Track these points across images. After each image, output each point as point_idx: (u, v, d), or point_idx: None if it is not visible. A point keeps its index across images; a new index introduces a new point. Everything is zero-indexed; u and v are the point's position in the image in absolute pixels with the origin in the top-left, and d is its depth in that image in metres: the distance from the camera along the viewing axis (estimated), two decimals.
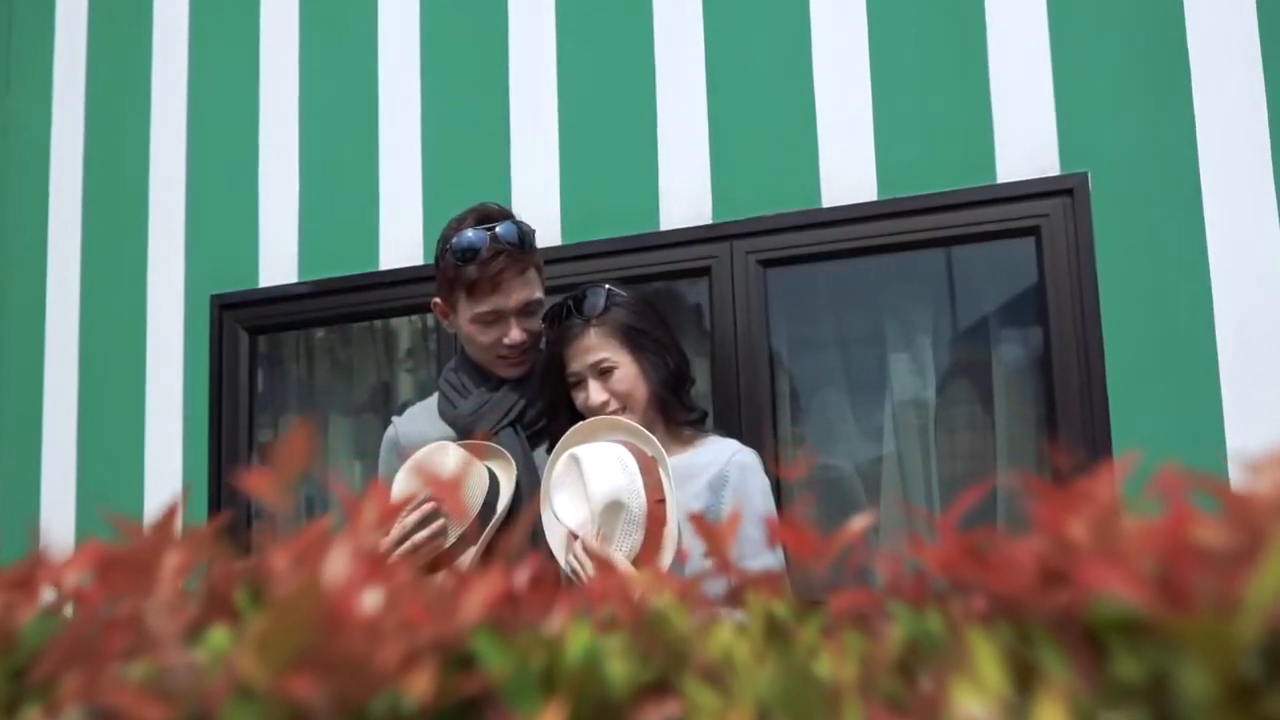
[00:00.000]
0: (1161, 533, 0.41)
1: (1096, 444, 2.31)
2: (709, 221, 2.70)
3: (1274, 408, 2.21)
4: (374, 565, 0.49)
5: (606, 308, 1.81)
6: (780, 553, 1.59)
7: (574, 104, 2.87)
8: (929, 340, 2.67)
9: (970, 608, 0.50)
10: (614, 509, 1.62)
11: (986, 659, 0.43)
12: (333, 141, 3.12)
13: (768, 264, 2.64)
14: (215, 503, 3.04)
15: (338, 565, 0.45)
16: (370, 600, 0.47)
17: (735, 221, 2.66)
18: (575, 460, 1.67)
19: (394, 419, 2.01)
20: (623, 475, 1.64)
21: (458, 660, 0.45)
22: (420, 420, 1.96)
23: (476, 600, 0.49)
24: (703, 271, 2.69)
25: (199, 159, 3.27)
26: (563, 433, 1.77)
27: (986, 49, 2.53)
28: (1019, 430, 2.56)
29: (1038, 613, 0.46)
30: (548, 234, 2.66)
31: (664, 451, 1.71)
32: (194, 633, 0.50)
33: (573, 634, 0.49)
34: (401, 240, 2.98)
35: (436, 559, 1.73)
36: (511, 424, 1.88)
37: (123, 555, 0.53)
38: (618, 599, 0.54)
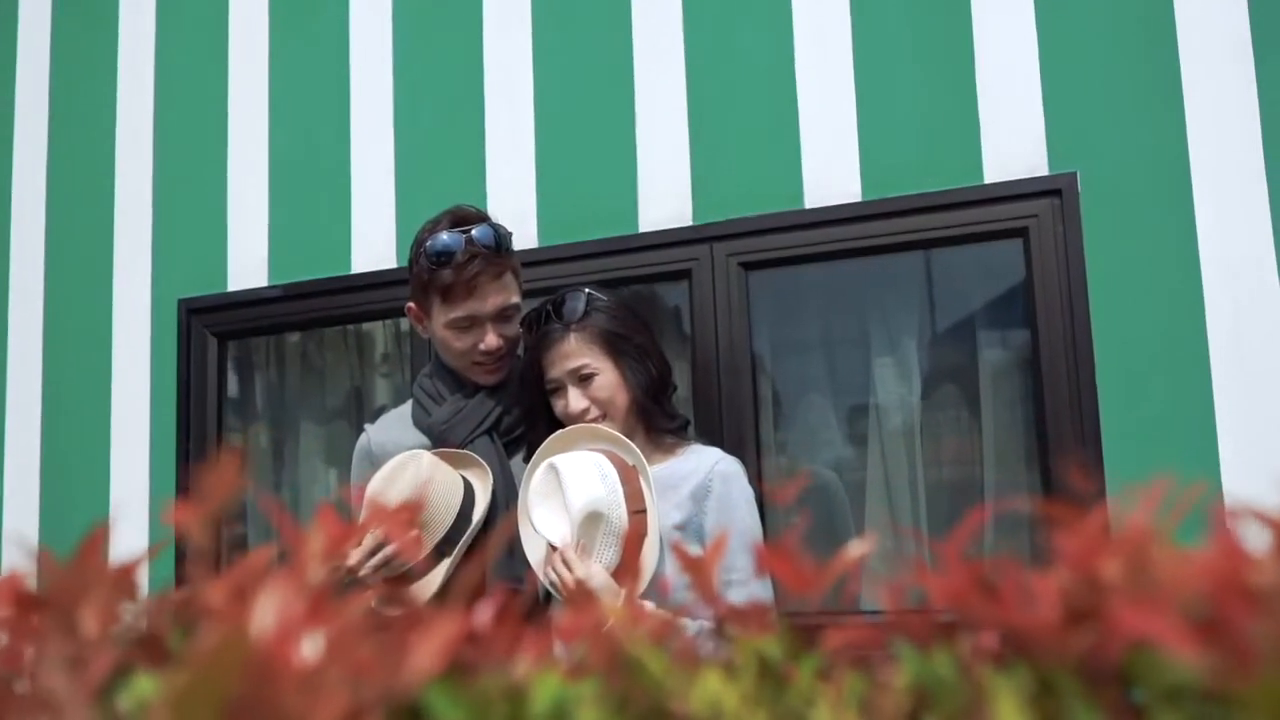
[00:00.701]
0: (1208, 571, 0.36)
1: (1087, 449, 2.29)
2: (689, 223, 2.68)
3: (1268, 411, 2.20)
4: (315, 605, 0.44)
5: (586, 312, 1.78)
6: (769, 579, 1.56)
7: (550, 102, 2.84)
8: (914, 344, 2.65)
9: (981, 647, 0.45)
10: (593, 520, 1.60)
11: (1009, 711, 0.38)
12: (303, 141, 3.08)
13: (749, 266, 2.62)
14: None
15: (268, 610, 0.40)
16: (308, 647, 0.42)
17: (716, 223, 2.64)
18: (553, 470, 1.65)
19: (366, 427, 1.98)
20: (602, 485, 1.62)
21: (408, 714, 0.41)
22: (394, 428, 1.93)
23: (430, 645, 0.44)
24: (683, 274, 2.67)
25: (166, 159, 3.23)
26: (541, 441, 1.75)
27: (973, 46, 2.51)
28: (1006, 435, 2.54)
29: (1061, 655, 0.41)
30: (524, 236, 2.63)
31: (645, 461, 1.69)
32: (121, 676, 0.45)
33: (539, 681, 0.44)
34: (374, 242, 2.95)
35: (410, 571, 1.70)
36: (487, 432, 1.85)
37: (41, 594, 0.48)
38: (591, 636, 0.49)
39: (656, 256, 2.68)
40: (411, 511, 1.67)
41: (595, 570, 1.58)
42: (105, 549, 0.50)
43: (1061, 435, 2.32)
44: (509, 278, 1.84)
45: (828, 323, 2.75)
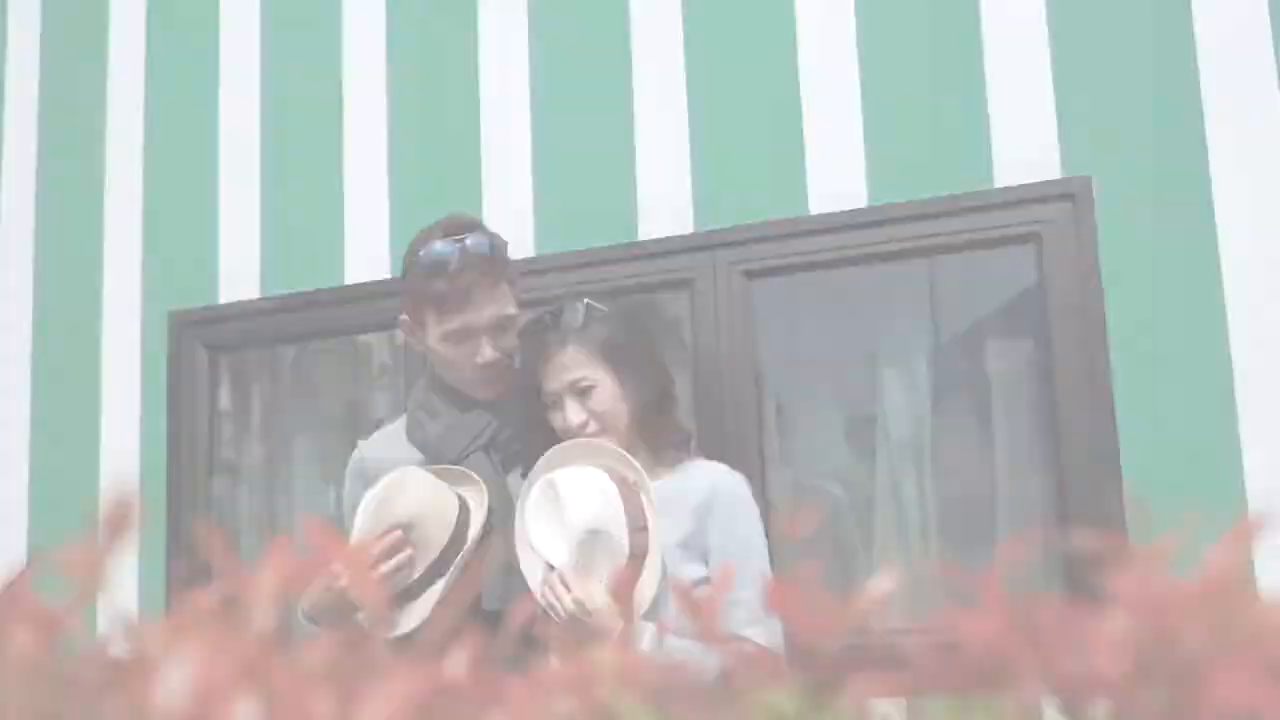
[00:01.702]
0: None
1: (1104, 463, 2.25)
2: (690, 231, 2.64)
3: None
4: (256, 659, 0.38)
5: (585, 323, 1.75)
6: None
7: (547, 107, 2.81)
8: (923, 355, 2.62)
9: (1028, 701, 0.40)
10: (593, 538, 1.58)
11: None
12: (296, 149, 3.06)
13: (753, 275, 2.58)
14: (174, 531, 2.94)
15: (184, 672, 0.34)
16: (242, 712, 0.36)
17: (718, 231, 2.61)
18: (551, 486, 1.62)
19: (359, 443, 1.97)
20: (602, 502, 1.60)
21: None
22: (387, 444, 1.91)
23: (391, 698, 0.38)
24: (684, 284, 2.64)
25: (156, 167, 3.20)
26: (538, 456, 1.72)
27: (982, 44, 2.47)
28: (1019, 448, 2.50)
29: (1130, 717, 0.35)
30: (520, 245, 2.59)
31: (646, 476, 1.67)
32: None
33: None
34: (368, 252, 2.92)
35: (403, 590, 1.67)
36: (483, 447, 1.82)
37: None
38: (578, 690, 0.43)
39: (657, 265, 2.65)
40: (400, 534, 1.63)
41: (594, 591, 1.55)
42: (33, 587, 0.45)
43: (1077, 448, 2.28)
44: (505, 288, 1.81)
45: (833, 332, 2.72)
